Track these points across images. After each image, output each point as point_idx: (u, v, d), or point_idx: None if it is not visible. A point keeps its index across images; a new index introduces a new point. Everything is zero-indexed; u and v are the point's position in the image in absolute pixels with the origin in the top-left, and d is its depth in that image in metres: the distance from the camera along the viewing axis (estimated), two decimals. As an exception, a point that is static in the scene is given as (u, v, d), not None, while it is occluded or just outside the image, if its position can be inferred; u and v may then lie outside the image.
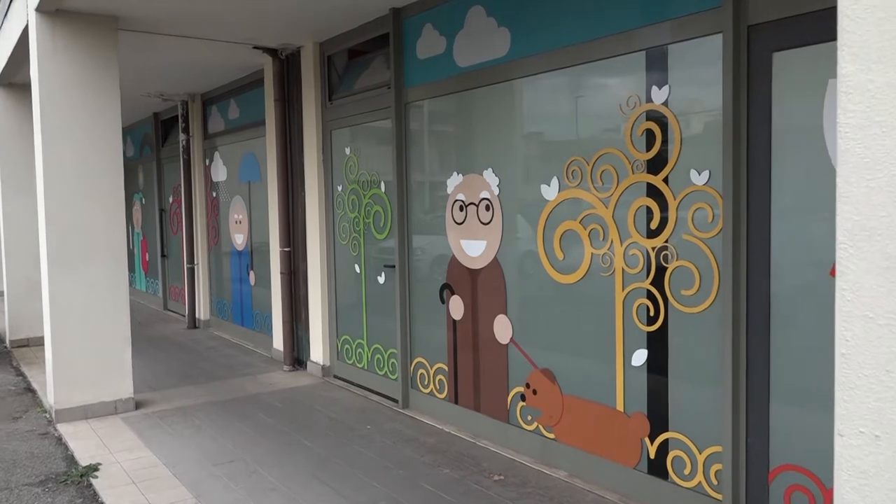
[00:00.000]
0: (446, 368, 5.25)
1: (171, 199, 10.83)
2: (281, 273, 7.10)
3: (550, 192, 4.26)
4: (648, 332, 3.75)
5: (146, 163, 11.83)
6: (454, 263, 5.10)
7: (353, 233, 6.29)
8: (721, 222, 3.36)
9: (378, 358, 6.06)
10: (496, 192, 4.68)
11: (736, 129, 3.25)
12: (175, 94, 9.27)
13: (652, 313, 3.72)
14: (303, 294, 7.02)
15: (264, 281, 8.01)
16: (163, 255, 11.20)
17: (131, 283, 13.00)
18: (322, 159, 6.62)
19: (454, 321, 5.14)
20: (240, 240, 8.60)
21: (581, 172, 4.06)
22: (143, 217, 12.20)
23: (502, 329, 4.70)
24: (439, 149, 5.23)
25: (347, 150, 6.31)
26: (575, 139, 4.16)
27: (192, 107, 9.47)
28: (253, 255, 8.33)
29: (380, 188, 5.87)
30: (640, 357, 3.81)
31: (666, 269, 3.63)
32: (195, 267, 9.64)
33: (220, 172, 9.06)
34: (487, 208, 4.76)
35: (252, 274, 8.35)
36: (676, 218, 3.57)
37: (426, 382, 5.48)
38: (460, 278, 5.05)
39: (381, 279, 5.94)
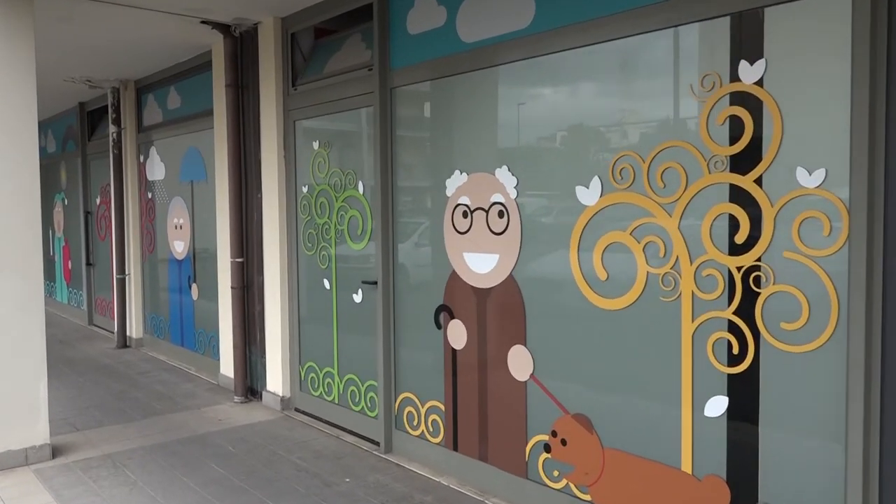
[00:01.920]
0: (442, 407, 4.35)
1: (98, 201, 9.58)
2: (232, 287, 6.07)
3: (590, 195, 3.43)
4: (730, 375, 2.95)
5: (69, 159, 10.51)
6: (455, 281, 4.21)
7: (321, 242, 5.33)
8: (843, 237, 2.58)
9: (353, 391, 5.11)
10: (513, 194, 3.82)
11: (872, 113, 2.47)
12: (104, 80, 8.09)
13: (736, 350, 2.92)
14: (258, 312, 6.00)
15: (209, 295, 6.94)
16: (88, 264, 9.92)
17: (51, 293, 11.60)
18: (284, 155, 5.64)
19: (454, 351, 4.25)
20: (180, 247, 7.49)
21: (633, 172, 3.24)
22: (66, 220, 10.85)
23: (520, 363, 3.84)
24: (436, 142, 4.34)
25: (315, 145, 5.34)
26: (625, 131, 3.34)
27: (124, 95, 8.29)
28: (196, 266, 7.24)
29: (357, 189, 4.93)
30: (717, 405, 3.00)
31: (757, 294, 2.84)
32: (126, 278, 8.45)
33: (156, 170, 7.92)
34: (501, 215, 3.89)
35: (194, 287, 7.25)
36: (774, 230, 2.78)
37: (416, 423, 4.56)
38: (463, 299, 4.17)
39: (358, 297, 5.00)
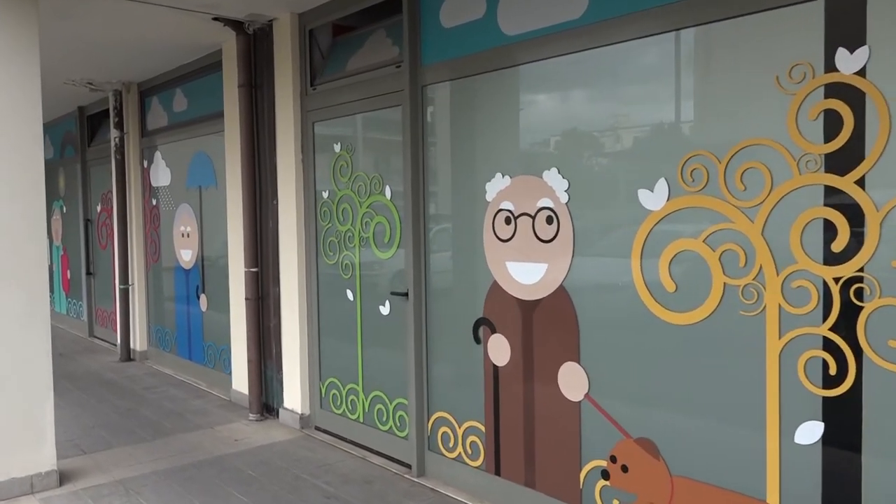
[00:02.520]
0: (482, 428, 4.04)
1: (99, 208, 9.24)
2: (246, 299, 5.74)
3: (655, 199, 3.13)
4: (826, 398, 2.65)
5: (68, 165, 10.17)
6: (496, 292, 3.91)
7: (344, 250, 5.02)
8: (967, 244, 2.29)
9: (379, 409, 4.79)
10: (563, 198, 3.52)
11: None
12: (106, 82, 7.77)
13: (833, 371, 2.62)
14: (274, 325, 5.68)
15: (219, 307, 6.61)
16: (88, 273, 9.57)
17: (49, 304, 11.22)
18: (302, 159, 5.33)
19: (495, 367, 3.95)
20: (187, 256, 7.17)
21: (707, 173, 2.94)
22: (64, 229, 10.51)
23: (572, 381, 3.53)
24: (473, 143, 4.04)
25: (337, 147, 5.04)
26: (697, 128, 3.04)
27: (126, 98, 7.97)
28: (204, 275, 6.91)
29: (384, 194, 4.63)
30: (810, 431, 2.70)
31: (860, 309, 2.54)
32: (130, 288, 8.12)
33: (161, 176, 7.60)
34: (550, 221, 3.59)
35: (203, 298, 6.93)
36: (880, 237, 2.49)
37: (452, 445, 4.25)
38: (506, 312, 3.86)
39: (385, 309, 4.69)
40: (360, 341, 4.94)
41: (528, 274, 3.72)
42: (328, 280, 5.21)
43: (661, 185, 3.11)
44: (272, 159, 5.57)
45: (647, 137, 3.23)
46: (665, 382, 3.16)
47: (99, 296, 9.41)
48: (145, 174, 7.91)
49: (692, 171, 3.00)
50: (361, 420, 4.95)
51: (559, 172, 3.54)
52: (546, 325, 3.66)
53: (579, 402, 3.51)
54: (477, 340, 4.05)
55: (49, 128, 10.83)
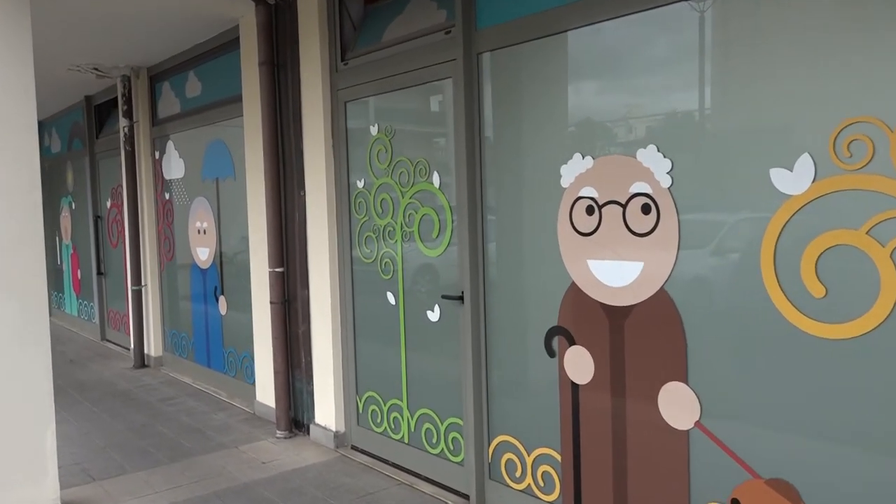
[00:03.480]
0: (558, 457, 3.41)
1: (108, 204, 8.67)
2: (271, 302, 5.14)
3: (795, 181, 2.48)
4: None
5: (76, 159, 9.61)
6: (575, 296, 3.27)
7: (383, 247, 4.39)
8: None
9: (428, 429, 4.17)
10: (664, 182, 2.87)
11: None
12: (113, 67, 7.16)
13: None
14: (303, 332, 5.07)
15: (241, 310, 6.02)
16: (99, 273, 9.02)
17: (60, 305, 10.73)
18: (333, 144, 4.71)
19: (574, 386, 3.31)
20: (204, 254, 6.57)
21: (872, 146, 2.29)
22: (74, 226, 9.96)
23: (678, 405, 2.90)
24: (544, 119, 3.39)
25: (374, 130, 4.40)
26: (859, 87, 2.38)
27: (136, 84, 7.37)
28: (223, 275, 6.32)
29: (431, 182, 4.00)
30: None
31: None
32: (143, 289, 7.54)
33: (174, 168, 7.00)
34: (646, 210, 2.94)
35: (222, 300, 6.33)
36: None
37: (518, 474, 3.62)
38: (588, 320, 3.23)
39: (435, 315, 4.06)
40: (403, 351, 4.32)
41: (617, 274, 3.08)
42: (365, 281, 4.59)
43: (805, 163, 2.45)
44: (298, 145, 4.95)
45: (782, 102, 2.56)
46: (809, 410, 2.51)
47: (111, 297, 8.86)
48: (157, 166, 7.32)
49: (850, 144, 2.34)
50: (406, 441, 4.34)
51: (659, 150, 2.89)
52: (642, 337, 3.01)
53: (687, 430, 2.87)
54: (550, 353, 3.41)
55: (56, 120, 10.28)
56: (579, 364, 3.28)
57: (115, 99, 7.67)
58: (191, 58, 6.46)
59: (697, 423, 2.84)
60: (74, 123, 9.57)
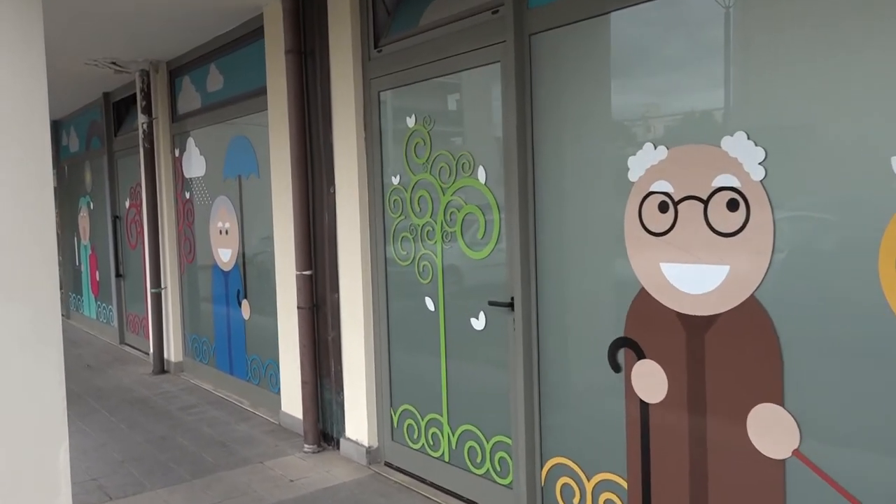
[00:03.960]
0: (624, 484, 3.05)
1: (127, 204, 8.41)
2: (298, 308, 4.81)
3: (926, 170, 2.10)
4: None
5: (94, 158, 9.37)
6: (645, 304, 2.91)
7: (422, 248, 4.05)
8: None
9: (471, 447, 3.82)
10: (757, 174, 2.50)
11: None
12: (132, 61, 6.89)
13: None
14: (332, 339, 4.74)
15: (265, 314, 5.71)
16: (118, 275, 8.76)
17: (78, 307, 10.50)
18: (365, 137, 4.37)
19: (644, 405, 2.95)
20: (226, 256, 6.27)
21: None
22: (92, 226, 9.72)
23: (771, 430, 2.52)
24: (606, 104, 3.04)
25: (411, 121, 4.07)
26: None
27: (155, 79, 7.09)
28: (246, 278, 6.01)
29: (475, 177, 3.65)
30: None
31: None
32: (162, 292, 7.26)
33: (195, 166, 6.71)
34: (733, 206, 2.57)
35: (245, 304, 6.02)
36: None
37: (577, 501, 3.26)
38: (661, 331, 2.86)
39: (479, 322, 3.71)
40: (443, 362, 3.97)
41: (696, 280, 2.71)
42: (401, 285, 4.25)
43: (938, 149, 2.07)
44: (327, 139, 4.62)
45: (905, 80, 2.19)
46: (941, 442, 2.14)
47: (130, 299, 8.60)
48: (177, 164, 7.03)
49: None
50: (447, 459, 3.99)
51: (749, 137, 2.52)
52: (727, 351, 2.65)
53: (784, 460, 2.50)
54: (615, 367, 3.05)
55: (73, 119, 10.06)
56: (650, 380, 2.91)
57: (134, 95, 7.40)
58: (212, 50, 6.16)
59: (796, 452, 2.47)
60: (93, 122, 9.34)
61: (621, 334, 3.01)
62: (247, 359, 6.07)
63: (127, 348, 8.67)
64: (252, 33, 5.51)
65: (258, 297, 5.83)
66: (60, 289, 11.48)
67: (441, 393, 4.00)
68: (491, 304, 3.56)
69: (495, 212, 3.55)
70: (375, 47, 4.29)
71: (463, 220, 3.75)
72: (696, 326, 2.74)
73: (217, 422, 5.54)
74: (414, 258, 4.11)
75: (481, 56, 3.54)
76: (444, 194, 3.85)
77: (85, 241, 10.02)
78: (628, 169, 2.93)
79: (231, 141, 6.07)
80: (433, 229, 3.95)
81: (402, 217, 4.17)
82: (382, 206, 4.32)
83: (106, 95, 8.58)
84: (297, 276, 4.79)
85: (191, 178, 6.79)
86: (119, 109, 8.58)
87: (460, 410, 3.89)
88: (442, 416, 4.01)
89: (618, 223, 2.98)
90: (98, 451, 4.96)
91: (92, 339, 9.39)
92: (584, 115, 3.13)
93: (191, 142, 6.73)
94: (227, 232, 6.22)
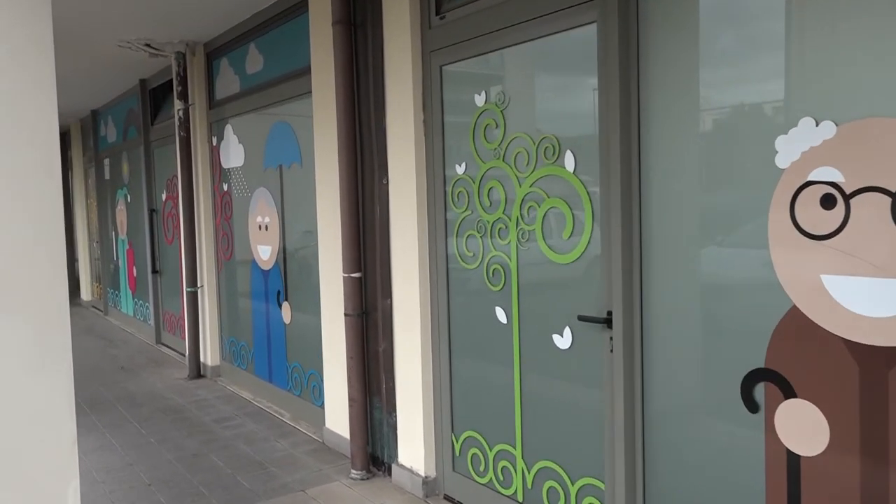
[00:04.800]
0: (761, 554, 2.39)
1: (164, 196, 7.97)
2: (346, 315, 4.24)
3: None
4: None
5: (132, 148, 8.96)
6: (798, 327, 2.24)
7: (492, 249, 3.43)
8: None
9: (551, 488, 3.20)
10: (978, 158, 1.82)
11: None
12: (167, 42, 6.40)
13: None
14: (384, 351, 4.16)
15: (307, 320, 5.16)
16: (154, 271, 8.34)
17: (116, 304, 10.16)
18: (424, 119, 3.77)
19: (793, 457, 2.28)
20: (266, 254, 5.74)
21: None
22: (129, 220, 9.33)
23: None
24: (741, 69, 2.37)
25: (480, 99, 3.44)
26: None
27: (191, 62, 6.60)
28: (287, 278, 5.47)
29: (562, 164, 3.01)
30: None
31: None
32: (199, 291, 6.78)
33: (233, 155, 6.20)
34: (940, 201, 1.89)
35: (286, 307, 5.49)
36: None
37: (694, 569, 2.62)
38: (819, 363, 2.19)
39: (564, 340, 3.08)
40: (517, 385, 3.35)
41: (877, 298, 2.04)
42: (465, 292, 3.64)
43: None
44: (380, 123, 4.03)
45: None
46: None
47: (166, 297, 8.17)
48: (215, 153, 6.53)
49: None
50: (521, 499, 3.37)
51: (968, 107, 1.84)
52: (924, 396, 1.97)
53: None
54: (751, 407, 2.39)
55: (111, 108, 9.69)
56: (802, 426, 2.25)
57: (171, 81, 6.93)
58: (251, 28, 5.62)
59: None
60: (130, 110, 8.93)
61: (761, 365, 2.35)
62: (287, 367, 5.54)
63: (163, 349, 8.24)
64: (295, 6, 4.95)
65: (300, 299, 5.29)
66: (98, 284, 11.18)
67: (514, 421, 3.37)
68: (581, 318, 2.92)
69: (587, 206, 2.91)
70: (437, 14, 3.67)
71: (544, 216, 3.12)
72: (875, 360, 2.07)
73: (255, 437, 5.01)
74: (482, 260, 3.49)
75: (572, 16, 2.90)
76: (520, 185, 3.22)
77: (122, 235, 9.64)
78: (775, 152, 2.26)
79: (272, 127, 5.53)
80: (506, 227, 3.32)
81: (468, 212, 3.56)
82: (444, 199, 3.70)
83: (142, 82, 8.15)
84: (345, 279, 4.21)
85: (229, 169, 6.28)
86: (156, 97, 8.15)
87: (538, 443, 3.26)
88: (515, 448, 3.39)
89: (758, 222, 2.32)
90: (124, 471, 4.46)
91: (128, 338, 9.01)
92: (709, 84, 2.47)
93: (229, 129, 6.22)
94: (266, 227, 5.68)
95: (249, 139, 5.91)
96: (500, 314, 3.41)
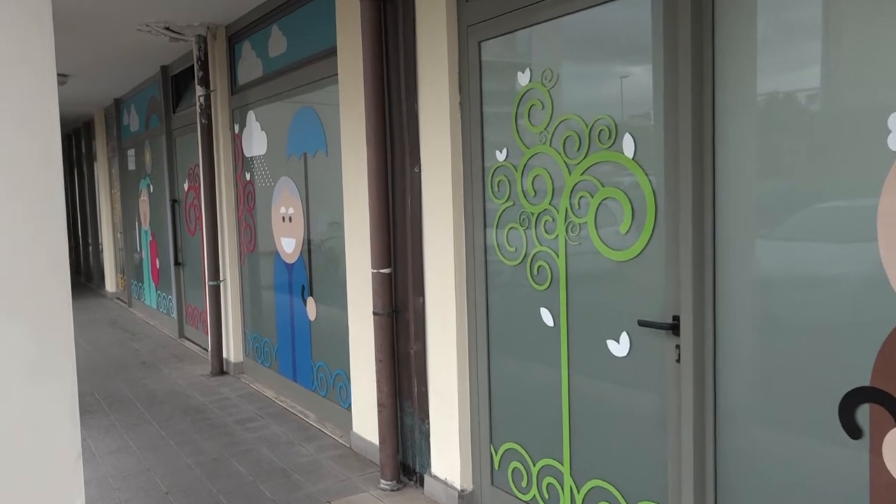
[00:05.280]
0: None
1: (186, 186, 7.74)
2: (375, 314, 3.94)
3: None
4: None
5: (154, 137, 8.75)
6: (914, 341, 1.89)
7: (537, 244, 3.10)
8: None
9: (605, 510, 2.87)
10: None
11: None
12: (187, 25, 6.14)
13: None
14: (416, 353, 3.86)
15: (334, 315, 4.88)
16: (176, 263, 8.13)
17: (139, 296, 9.99)
18: (460, 102, 3.44)
19: (905, 492, 1.94)
20: (290, 246, 5.47)
21: None
22: (152, 211, 9.13)
23: None
24: (840, 32, 2.01)
25: (523, 78, 3.10)
26: None
27: (213, 46, 6.33)
28: (312, 272, 5.19)
29: (619, 150, 2.66)
30: None
31: None
32: (221, 284, 6.54)
33: (256, 143, 5.92)
34: None
35: (311, 302, 5.21)
36: None
37: None
38: (943, 384, 1.84)
39: (621, 347, 2.74)
40: (565, 395, 3.02)
41: None
42: (506, 290, 3.32)
43: None
44: (411, 106, 3.71)
45: None
46: None
47: (189, 290, 7.95)
48: (237, 141, 6.26)
49: None
50: (568, 521, 3.05)
51: None
52: None
53: None
54: (852, 432, 2.04)
55: (133, 96, 9.49)
56: (918, 457, 1.90)
57: (192, 67, 6.67)
58: (274, 8, 5.33)
59: None
60: (151, 98, 8.71)
61: (865, 383, 2.00)
62: (312, 365, 5.26)
63: (186, 342, 8.03)
64: (320, -17, 4.65)
65: (326, 294, 5.00)
66: (122, 275, 11.03)
67: (562, 435, 3.05)
68: (641, 323, 2.59)
69: (649, 197, 2.56)
70: (475, -15, 3.33)
71: (598, 207, 2.78)
72: None
73: (278, 441, 4.75)
74: (525, 256, 3.16)
75: (633, -20, 2.55)
76: (570, 173, 2.88)
77: (145, 226, 9.46)
78: (888, 132, 1.90)
79: (295, 114, 5.24)
80: (553, 219, 2.99)
81: (510, 203, 3.22)
82: (483, 188, 3.38)
83: (164, 69, 7.91)
84: (374, 275, 3.91)
85: (251, 158, 6.01)
86: (178, 84, 7.91)
87: (589, 461, 2.94)
88: (562, 464, 3.06)
89: (865, 215, 1.96)
90: (141, 476, 4.22)
91: (151, 331, 8.82)
92: (800, 54, 2.11)
93: (251, 116, 5.94)
94: (290, 219, 5.40)
95: (272, 126, 5.62)
96: (546, 315, 3.08)
